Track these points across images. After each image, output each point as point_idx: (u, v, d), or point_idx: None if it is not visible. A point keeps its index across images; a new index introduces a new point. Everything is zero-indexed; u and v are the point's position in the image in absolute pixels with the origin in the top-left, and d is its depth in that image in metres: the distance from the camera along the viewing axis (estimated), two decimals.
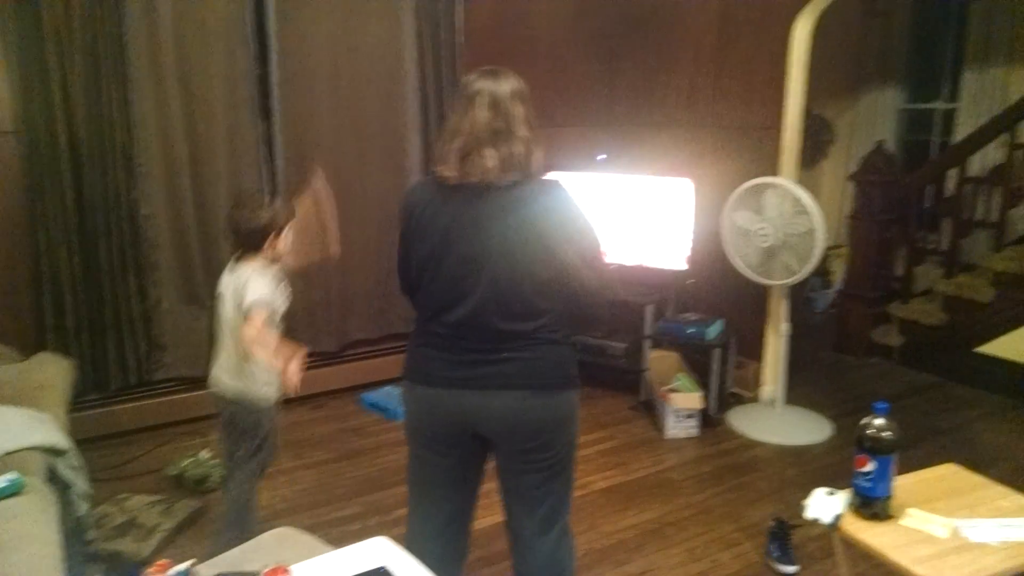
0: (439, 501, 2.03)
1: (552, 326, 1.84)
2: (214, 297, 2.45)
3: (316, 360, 4.17)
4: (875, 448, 1.82)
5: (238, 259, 2.38)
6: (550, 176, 1.85)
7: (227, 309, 2.36)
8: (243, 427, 2.43)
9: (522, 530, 1.99)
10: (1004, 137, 4.69)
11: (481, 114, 1.76)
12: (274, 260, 2.41)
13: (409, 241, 1.90)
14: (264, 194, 2.63)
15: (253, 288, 2.27)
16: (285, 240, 2.41)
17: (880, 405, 1.86)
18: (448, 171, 1.78)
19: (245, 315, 2.24)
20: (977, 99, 5.29)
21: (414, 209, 1.87)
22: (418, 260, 1.87)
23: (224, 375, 2.40)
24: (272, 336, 2.25)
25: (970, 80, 5.34)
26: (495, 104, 1.77)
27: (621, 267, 4.02)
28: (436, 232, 1.82)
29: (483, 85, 1.79)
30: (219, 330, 2.43)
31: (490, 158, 1.74)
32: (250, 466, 2.47)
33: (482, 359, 1.83)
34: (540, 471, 1.92)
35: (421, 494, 2.05)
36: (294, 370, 2.16)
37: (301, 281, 4.02)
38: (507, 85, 1.80)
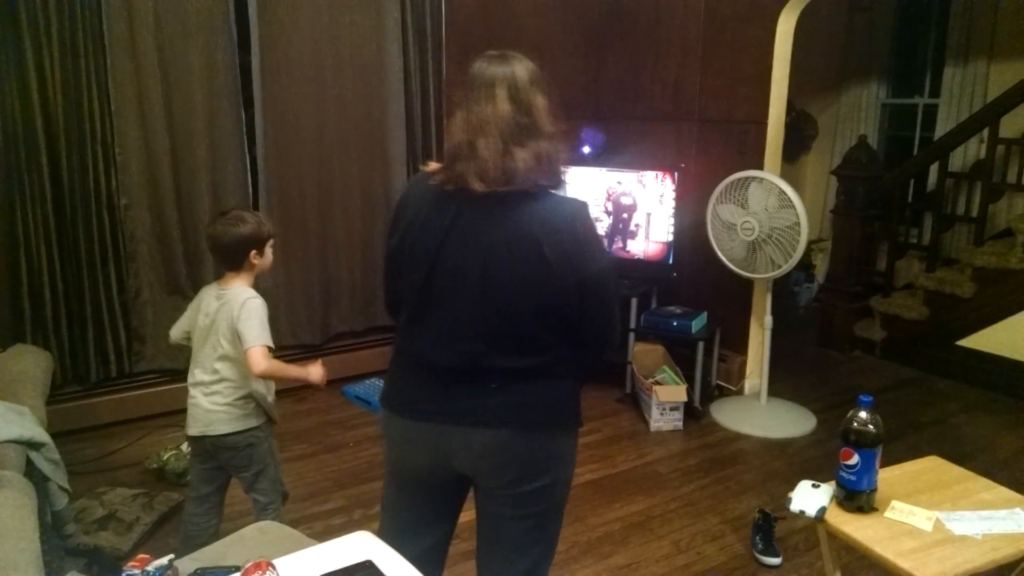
0: (414, 537, 1.80)
1: (549, 361, 1.60)
2: (195, 299, 2.34)
3: (298, 353, 4.13)
4: (860, 441, 1.83)
5: (221, 279, 2.26)
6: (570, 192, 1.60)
7: (221, 341, 2.21)
8: (237, 464, 2.31)
9: None
10: (984, 132, 4.73)
11: (503, 106, 1.48)
12: (257, 275, 2.29)
13: (399, 254, 1.64)
14: (246, 208, 2.57)
15: (248, 323, 2.15)
16: (267, 254, 2.27)
17: (865, 398, 1.86)
18: (466, 177, 1.49)
19: (246, 352, 2.14)
20: (958, 94, 5.33)
21: (407, 218, 1.62)
22: (407, 273, 1.63)
23: (218, 411, 2.23)
24: (278, 364, 2.23)
25: (951, 76, 5.38)
26: (515, 94, 1.49)
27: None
28: (431, 244, 1.56)
29: (499, 71, 1.51)
30: (202, 358, 2.26)
31: (520, 159, 1.47)
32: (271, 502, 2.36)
33: (464, 391, 1.59)
34: (526, 518, 1.70)
35: (394, 527, 1.82)
36: (318, 372, 2.40)
37: (283, 274, 4.01)
38: (523, 70, 1.52)
